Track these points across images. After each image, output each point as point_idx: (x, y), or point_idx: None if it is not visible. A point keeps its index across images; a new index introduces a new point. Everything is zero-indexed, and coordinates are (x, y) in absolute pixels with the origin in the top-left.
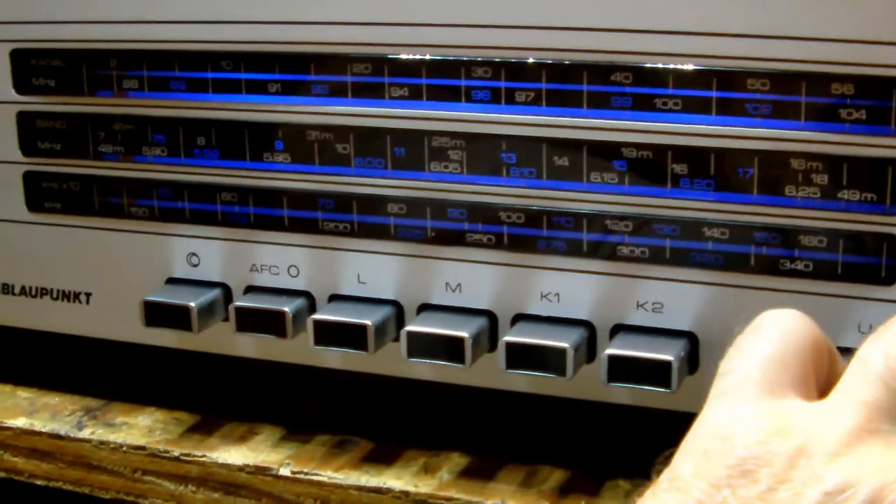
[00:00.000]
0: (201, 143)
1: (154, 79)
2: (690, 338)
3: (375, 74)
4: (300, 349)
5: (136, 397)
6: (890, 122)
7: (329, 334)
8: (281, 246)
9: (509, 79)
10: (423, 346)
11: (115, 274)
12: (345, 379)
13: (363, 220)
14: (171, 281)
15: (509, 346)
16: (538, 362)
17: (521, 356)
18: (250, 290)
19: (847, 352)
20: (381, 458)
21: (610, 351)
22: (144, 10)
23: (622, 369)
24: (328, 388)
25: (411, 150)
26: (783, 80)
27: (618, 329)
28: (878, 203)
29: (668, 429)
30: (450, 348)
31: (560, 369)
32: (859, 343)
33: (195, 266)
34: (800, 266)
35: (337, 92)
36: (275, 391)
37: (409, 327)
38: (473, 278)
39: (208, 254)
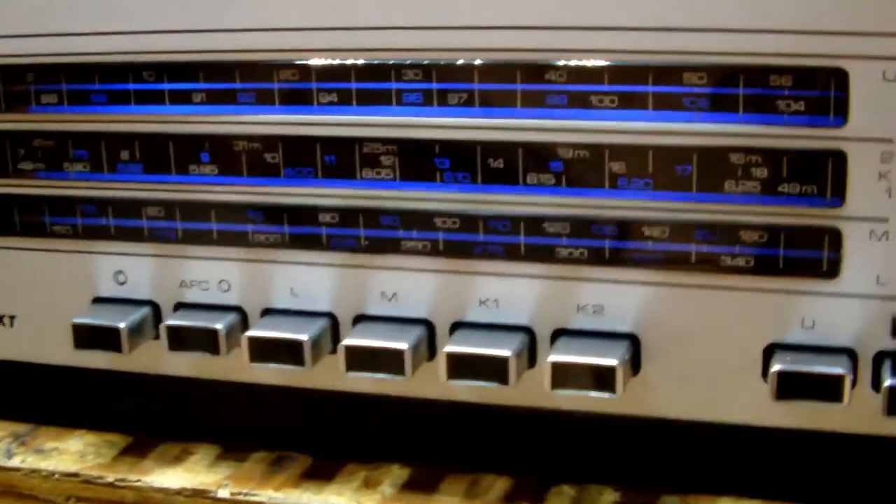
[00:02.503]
0: (125, 157)
1: (73, 92)
2: (632, 339)
3: (303, 81)
4: (233, 366)
5: (64, 420)
6: (829, 112)
7: (264, 350)
8: (210, 260)
9: (441, 80)
10: (362, 359)
11: (39, 295)
12: (280, 394)
13: (294, 231)
14: (98, 300)
15: (450, 356)
16: (480, 371)
17: (462, 366)
18: (180, 306)
19: (791, 348)
20: (321, 474)
21: (553, 358)
22: (61, 22)
23: (566, 376)
24: (263, 404)
25: (342, 158)
26: (720, 74)
27: (559, 333)
28: (819, 196)
29: (613, 431)
30: (389, 360)
31: (502, 378)
32: (805, 339)
33: (122, 284)
34: (741, 262)
35: (264, 100)
36: (208, 408)
37: (347, 341)
38: (410, 286)
39: (135, 271)
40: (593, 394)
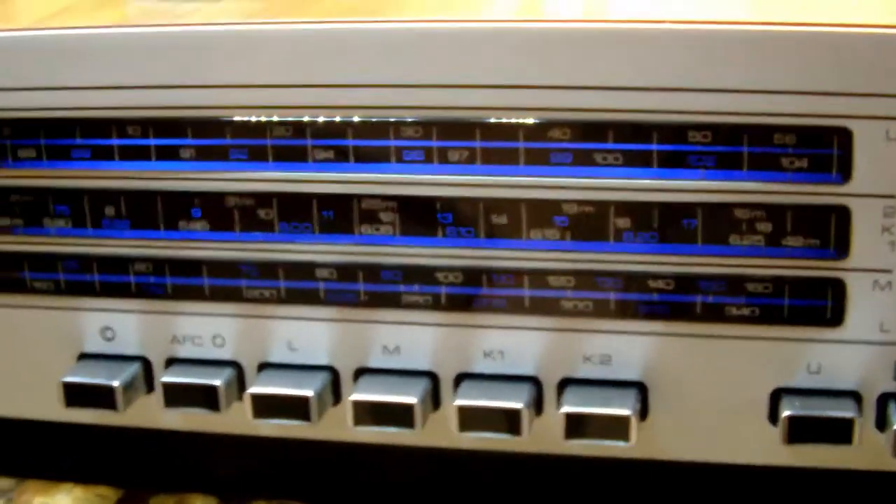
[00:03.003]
0: (110, 213)
1: (53, 147)
2: (640, 387)
3: (298, 137)
4: (230, 420)
5: (49, 474)
6: (832, 170)
7: (268, 407)
8: (203, 316)
9: (442, 138)
10: (371, 414)
11: (21, 351)
12: (277, 445)
13: (291, 286)
14: (85, 356)
15: (461, 409)
16: (491, 423)
17: (473, 418)
18: (172, 362)
19: (798, 393)
20: None
21: (567, 409)
22: (38, 76)
23: (579, 426)
24: (257, 454)
25: (340, 214)
26: (725, 132)
27: (566, 382)
28: (823, 248)
29: (621, 475)
30: (398, 414)
31: (515, 429)
32: (810, 383)
33: (109, 340)
34: (746, 312)
35: (257, 156)
36: (199, 459)
37: (355, 396)
38: (412, 340)
39: (124, 327)
40: (608, 443)
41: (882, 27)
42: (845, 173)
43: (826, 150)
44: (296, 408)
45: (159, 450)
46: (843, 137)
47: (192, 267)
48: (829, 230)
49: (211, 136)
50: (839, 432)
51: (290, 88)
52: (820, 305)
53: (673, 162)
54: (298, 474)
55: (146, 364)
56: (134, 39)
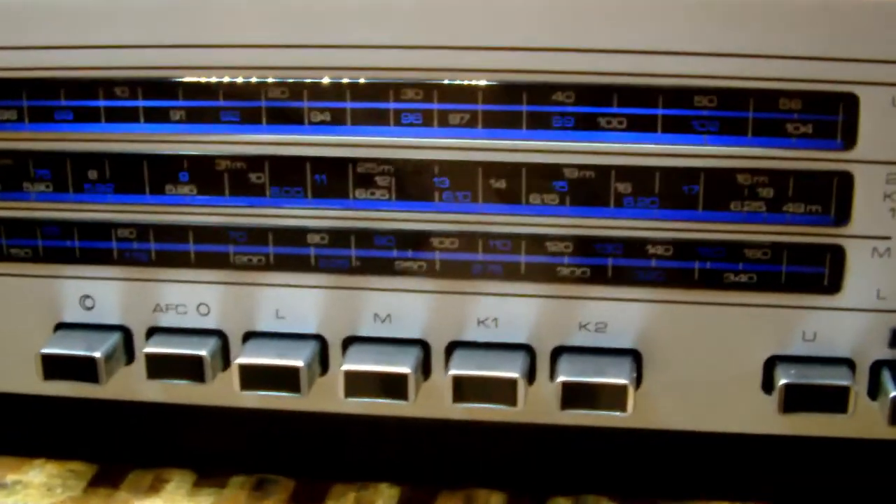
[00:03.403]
0: (93, 177)
1: (35, 109)
2: (634, 355)
3: (294, 99)
4: (214, 392)
5: (21, 450)
6: (836, 135)
7: (256, 378)
8: (188, 284)
9: (442, 101)
10: (363, 384)
11: None
12: (259, 417)
13: (280, 252)
14: (63, 326)
15: (457, 379)
16: (487, 393)
17: (469, 389)
18: (154, 331)
19: (793, 360)
20: (310, 497)
21: (563, 378)
22: (19, 35)
23: (576, 395)
24: (238, 427)
25: (334, 178)
26: (730, 97)
27: (560, 351)
28: (824, 214)
29: (613, 444)
30: (391, 385)
31: (510, 400)
32: (805, 351)
33: (89, 309)
34: (744, 279)
35: (250, 119)
36: (175, 433)
37: (346, 366)
38: (404, 307)
39: (104, 295)
40: (604, 413)
41: None
42: (850, 139)
43: (831, 116)
44: (285, 379)
45: (136, 424)
46: (849, 103)
47: (177, 233)
48: (831, 197)
49: (202, 98)
50: (834, 401)
51: (286, 49)
52: (818, 272)
53: (677, 127)
54: (279, 448)
55: (127, 334)
56: None
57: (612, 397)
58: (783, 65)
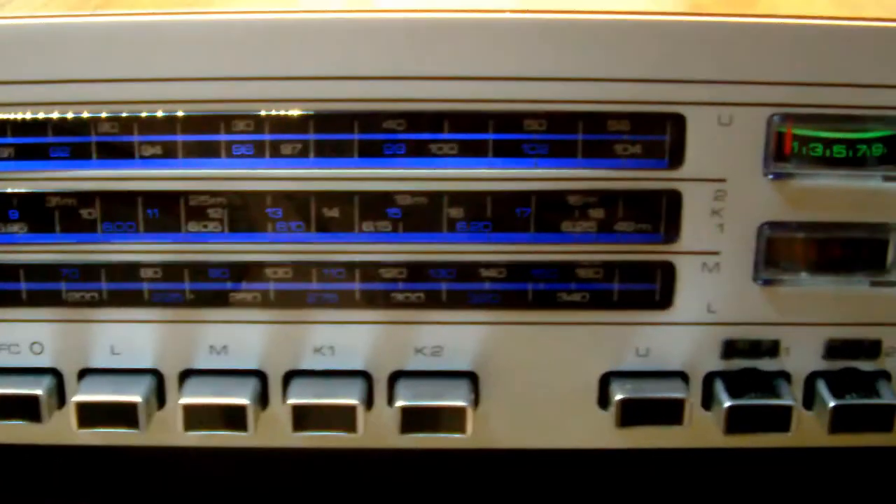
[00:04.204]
0: None
1: None
2: (472, 377)
3: (124, 133)
4: (51, 430)
5: None
6: (664, 155)
7: (94, 415)
8: (20, 322)
9: (273, 131)
10: (202, 417)
11: None
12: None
13: (113, 287)
14: None
15: (296, 408)
16: (327, 421)
17: (308, 417)
18: None
19: (626, 375)
20: None
21: (401, 403)
22: None
23: (415, 419)
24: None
25: (166, 212)
26: (559, 120)
27: (397, 375)
28: (653, 233)
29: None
30: (230, 416)
31: (350, 426)
32: (639, 366)
33: None
34: (577, 298)
35: (80, 154)
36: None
37: (185, 399)
38: (240, 339)
39: None
40: (444, 435)
41: (713, 15)
42: (677, 159)
43: (659, 136)
44: (123, 415)
45: None
46: (676, 123)
47: (9, 271)
48: (661, 215)
49: (30, 134)
50: (670, 413)
51: (115, 83)
52: (650, 289)
53: (508, 151)
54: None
55: None
56: None
57: (451, 419)
58: (610, 87)
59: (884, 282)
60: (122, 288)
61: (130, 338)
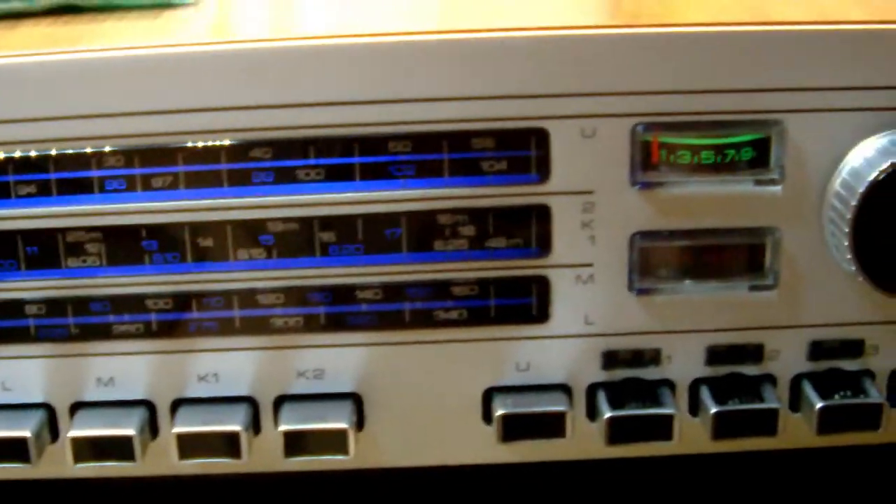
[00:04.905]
0: None
1: None
2: (355, 398)
3: None
4: None
5: None
6: (530, 170)
7: None
8: None
9: (143, 165)
10: (91, 449)
11: None
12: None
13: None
14: None
15: (180, 437)
16: (211, 448)
17: (194, 444)
18: None
19: (509, 390)
20: None
21: (284, 427)
22: None
23: (298, 443)
24: None
25: (45, 249)
26: (424, 141)
27: (281, 400)
28: (525, 247)
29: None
30: (119, 448)
31: (235, 452)
32: (521, 380)
33: None
34: (454, 315)
35: None
36: None
37: (73, 432)
38: (125, 370)
39: None
40: (327, 458)
41: (573, 28)
42: (544, 173)
43: (524, 151)
44: (13, 449)
45: None
46: (540, 138)
47: None
48: (531, 229)
49: None
50: (552, 426)
51: None
52: (526, 303)
53: (375, 173)
54: None
55: None
56: None
57: (334, 441)
58: (473, 105)
59: (762, 286)
60: (7, 325)
61: (20, 374)
